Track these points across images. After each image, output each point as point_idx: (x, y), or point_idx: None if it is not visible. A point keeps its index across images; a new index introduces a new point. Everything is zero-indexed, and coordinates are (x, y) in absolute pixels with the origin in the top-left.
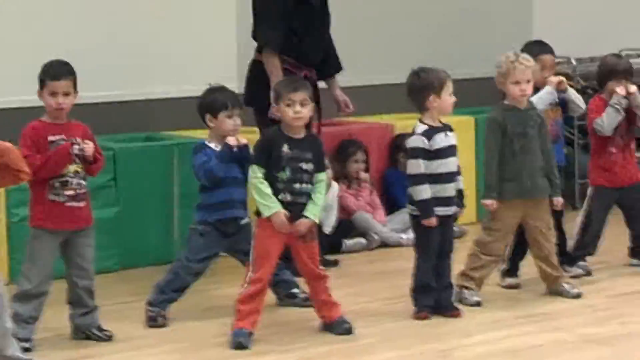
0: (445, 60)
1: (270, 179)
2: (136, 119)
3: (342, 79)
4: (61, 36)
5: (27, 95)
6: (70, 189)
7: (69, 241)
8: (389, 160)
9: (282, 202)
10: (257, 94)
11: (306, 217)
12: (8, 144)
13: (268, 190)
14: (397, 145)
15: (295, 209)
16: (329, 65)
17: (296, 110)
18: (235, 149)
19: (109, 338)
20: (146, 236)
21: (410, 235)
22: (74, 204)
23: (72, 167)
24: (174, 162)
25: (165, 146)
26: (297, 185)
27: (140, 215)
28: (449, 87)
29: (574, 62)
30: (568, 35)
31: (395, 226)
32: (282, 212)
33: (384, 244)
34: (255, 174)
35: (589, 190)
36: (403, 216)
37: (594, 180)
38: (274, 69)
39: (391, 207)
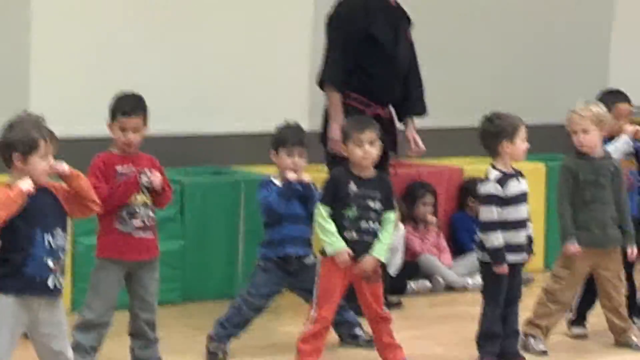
0: (518, 105)
1: (337, 216)
2: (204, 153)
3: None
4: (134, 67)
5: (97, 126)
6: (138, 219)
7: (133, 273)
8: (457, 203)
9: (347, 240)
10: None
11: (372, 255)
12: (78, 172)
13: (332, 228)
14: (466, 189)
15: (360, 248)
16: (409, 105)
17: (365, 150)
18: (295, 185)
19: None
20: (210, 270)
21: (476, 280)
22: (142, 235)
23: (141, 198)
24: (241, 197)
25: (233, 181)
26: (363, 224)
27: (205, 249)
28: (522, 133)
29: None
30: None
31: (461, 270)
32: (346, 250)
33: (449, 288)
34: (321, 212)
35: None
36: (469, 260)
37: None
38: (333, 105)
39: (458, 250)
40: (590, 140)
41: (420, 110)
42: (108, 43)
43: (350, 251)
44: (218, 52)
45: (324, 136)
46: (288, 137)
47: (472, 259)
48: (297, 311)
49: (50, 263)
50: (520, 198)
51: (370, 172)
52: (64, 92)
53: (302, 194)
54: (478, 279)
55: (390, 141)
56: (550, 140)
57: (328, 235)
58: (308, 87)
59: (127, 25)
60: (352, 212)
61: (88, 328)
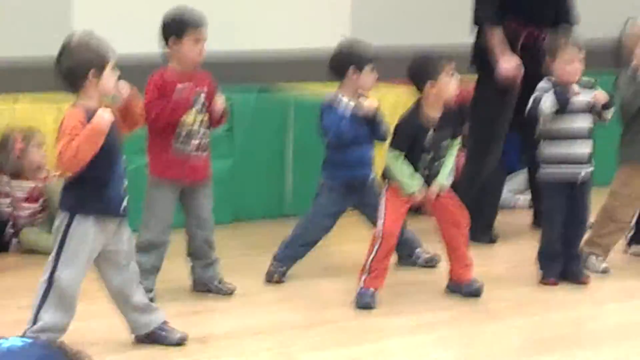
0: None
1: (411, 159)
2: (249, 71)
3: None
4: None
5: (139, 46)
6: (196, 138)
7: (188, 191)
8: None
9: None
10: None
11: (435, 185)
12: (136, 91)
13: (410, 170)
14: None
15: (431, 180)
16: (557, 18)
17: (455, 82)
18: (364, 115)
19: (231, 292)
20: (259, 189)
21: (526, 197)
22: (198, 154)
23: (199, 117)
24: (290, 115)
25: (281, 100)
26: (436, 163)
27: (254, 167)
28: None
29: None
30: None
31: (510, 188)
32: (423, 191)
33: (501, 207)
34: (395, 158)
35: None
36: (519, 178)
37: None
38: (497, 41)
39: (507, 170)
40: None
41: (572, 19)
42: None
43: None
44: None
45: (479, 65)
46: (369, 53)
47: (521, 176)
48: (354, 230)
49: (124, 185)
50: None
51: (441, 111)
52: (106, 13)
53: (370, 118)
54: (527, 197)
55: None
56: (598, 56)
57: (405, 178)
58: (350, 4)
59: None
60: (428, 156)
61: (148, 248)
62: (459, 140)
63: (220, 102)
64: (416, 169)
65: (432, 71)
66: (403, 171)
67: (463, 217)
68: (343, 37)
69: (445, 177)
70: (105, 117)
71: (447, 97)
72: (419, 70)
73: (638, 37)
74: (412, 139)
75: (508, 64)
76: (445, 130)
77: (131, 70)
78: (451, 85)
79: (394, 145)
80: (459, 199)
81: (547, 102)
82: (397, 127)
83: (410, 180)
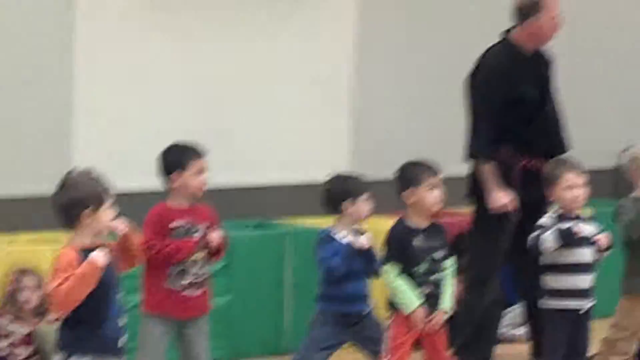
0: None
1: (407, 274)
2: (246, 206)
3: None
4: (178, 121)
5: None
6: (188, 277)
7: (181, 330)
8: None
9: (421, 295)
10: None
11: (442, 310)
12: (134, 230)
13: (405, 286)
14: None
15: (434, 300)
16: (552, 145)
17: (438, 194)
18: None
19: None
20: (257, 325)
21: (524, 330)
22: (191, 292)
23: (195, 256)
24: (287, 250)
25: (278, 234)
26: (433, 277)
27: (251, 304)
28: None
29: None
30: None
31: (507, 321)
32: (423, 309)
33: (499, 340)
34: (390, 272)
35: None
36: (515, 312)
37: None
38: (488, 175)
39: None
40: None
41: (564, 148)
42: (152, 96)
43: (425, 309)
44: (260, 105)
45: (474, 196)
46: (364, 184)
47: (517, 310)
48: None
49: (121, 323)
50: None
51: (427, 222)
52: (106, 147)
53: (365, 254)
54: (524, 330)
55: (542, 194)
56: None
57: (403, 295)
58: (347, 136)
59: (171, 79)
60: (421, 268)
61: None
62: (453, 262)
63: (217, 236)
64: (415, 287)
65: (413, 179)
66: (400, 285)
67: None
68: (332, 173)
69: (448, 301)
70: (99, 260)
71: (428, 207)
72: (401, 176)
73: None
74: (401, 246)
75: (499, 200)
76: (435, 240)
77: (130, 206)
78: (431, 197)
79: (387, 257)
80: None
81: (549, 240)
82: (386, 239)
83: (409, 294)
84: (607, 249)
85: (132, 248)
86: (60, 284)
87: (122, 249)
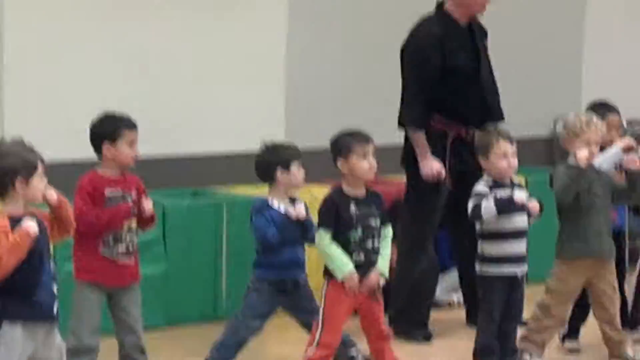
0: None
1: (341, 239)
2: (182, 175)
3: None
4: (112, 90)
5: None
6: (123, 245)
7: (115, 298)
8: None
9: (355, 262)
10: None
11: (376, 271)
12: (64, 199)
13: (338, 252)
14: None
15: (367, 268)
16: (487, 113)
17: (370, 162)
18: (295, 220)
19: None
20: (194, 293)
21: (460, 295)
22: (125, 260)
23: (127, 224)
24: (223, 218)
25: (214, 203)
26: (369, 244)
27: (188, 271)
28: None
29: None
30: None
31: (445, 285)
32: (355, 274)
33: (435, 305)
34: (323, 238)
35: None
36: (451, 277)
37: None
38: (419, 144)
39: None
40: (597, 153)
41: (499, 116)
42: (83, 66)
43: (357, 275)
44: (193, 73)
45: (407, 164)
46: (296, 151)
47: (454, 275)
48: (286, 333)
49: (54, 289)
50: (519, 209)
51: (364, 189)
52: (37, 117)
53: (300, 223)
54: (460, 294)
55: (476, 162)
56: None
57: (335, 261)
58: (284, 105)
59: (103, 48)
60: (356, 234)
61: (77, 354)
62: (390, 230)
63: (148, 204)
64: (349, 252)
65: (344, 148)
66: (332, 251)
67: (387, 329)
68: (263, 142)
69: (385, 265)
70: (30, 229)
71: (361, 176)
72: (334, 146)
73: (573, 134)
74: (334, 213)
75: (428, 169)
76: (371, 207)
77: (60, 176)
78: (363, 165)
79: (320, 223)
80: (383, 307)
81: (488, 209)
82: (321, 206)
83: (340, 260)
84: (538, 215)
85: (65, 218)
86: None
87: (55, 219)
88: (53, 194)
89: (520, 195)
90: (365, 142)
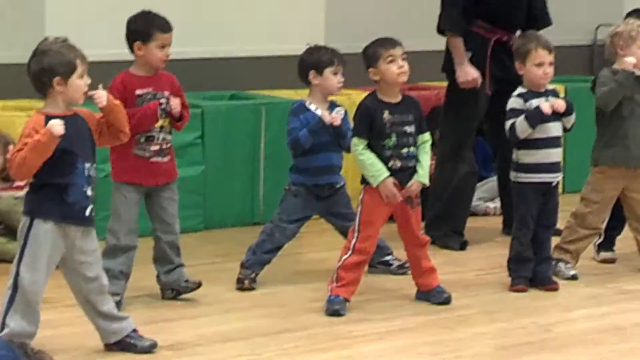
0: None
1: (376, 147)
2: (221, 77)
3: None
4: None
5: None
6: (155, 144)
7: (152, 196)
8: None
9: (391, 169)
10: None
11: (417, 180)
12: (118, 102)
13: (373, 159)
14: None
15: (405, 174)
16: (532, 19)
17: (400, 65)
18: (328, 125)
19: (198, 285)
20: (231, 196)
21: (497, 204)
22: (159, 159)
23: (159, 122)
24: (262, 121)
25: (253, 105)
26: (404, 150)
27: (225, 174)
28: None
29: None
30: None
31: (482, 195)
32: (391, 181)
33: (471, 213)
34: (358, 145)
35: None
36: (489, 185)
37: None
38: (457, 50)
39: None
40: None
41: (544, 22)
42: None
43: (395, 181)
44: None
45: (447, 71)
46: (334, 56)
47: (490, 184)
48: (321, 238)
49: (89, 192)
50: (550, 116)
51: (399, 96)
52: (77, 16)
53: (335, 129)
54: (497, 204)
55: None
56: (569, 62)
57: (370, 168)
58: (325, 8)
59: None
60: (391, 141)
61: (114, 253)
62: (428, 136)
63: (175, 104)
64: (384, 159)
65: (372, 56)
66: (366, 158)
67: (424, 236)
68: (308, 44)
69: (425, 173)
70: (55, 129)
71: (391, 81)
72: (364, 55)
73: (630, 38)
74: (368, 120)
75: (464, 75)
76: (407, 114)
77: (107, 76)
78: (391, 70)
79: (354, 131)
80: (420, 215)
81: (522, 127)
82: (355, 113)
83: (375, 167)
84: (566, 114)
85: (116, 122)
86: (19, 150)
87: (106, 123)
88: (102, 97)
89: (545, 104)
90: (392, 46)
